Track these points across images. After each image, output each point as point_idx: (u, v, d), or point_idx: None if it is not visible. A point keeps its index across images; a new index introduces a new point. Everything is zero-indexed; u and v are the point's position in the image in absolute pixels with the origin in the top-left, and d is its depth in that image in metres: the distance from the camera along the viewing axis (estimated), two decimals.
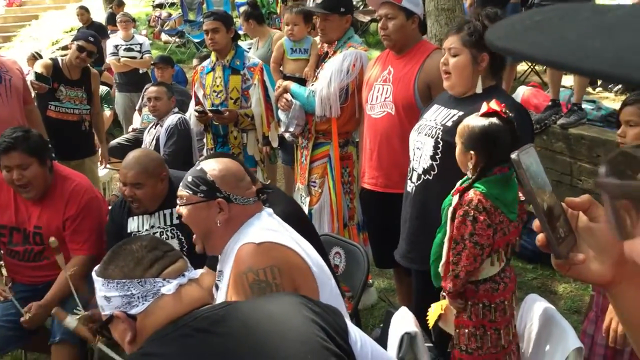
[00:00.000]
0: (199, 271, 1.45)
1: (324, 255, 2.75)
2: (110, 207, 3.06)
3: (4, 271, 3.12)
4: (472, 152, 2.06)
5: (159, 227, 2.82)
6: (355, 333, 1.42)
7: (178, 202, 1.99)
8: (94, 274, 1.42)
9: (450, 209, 2.08)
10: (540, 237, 0.85)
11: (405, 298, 3.23)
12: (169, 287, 1.35)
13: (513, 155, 0.82)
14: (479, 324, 2.08)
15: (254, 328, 1.31)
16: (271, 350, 1.27)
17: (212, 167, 1.95)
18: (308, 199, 3.58)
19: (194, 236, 1.99)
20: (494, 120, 2.06)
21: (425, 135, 2.51)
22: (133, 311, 1.34)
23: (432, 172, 2.47)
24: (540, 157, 0.87)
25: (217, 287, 1.99)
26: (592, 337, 2.44)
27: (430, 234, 2.30)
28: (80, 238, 2.92)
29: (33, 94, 4.37)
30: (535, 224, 0.85)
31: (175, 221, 2.81)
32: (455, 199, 2.07)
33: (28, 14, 15.61)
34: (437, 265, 2.19)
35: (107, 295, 1.37)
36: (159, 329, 1.32)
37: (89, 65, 4.73)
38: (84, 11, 9.06)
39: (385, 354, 1.52)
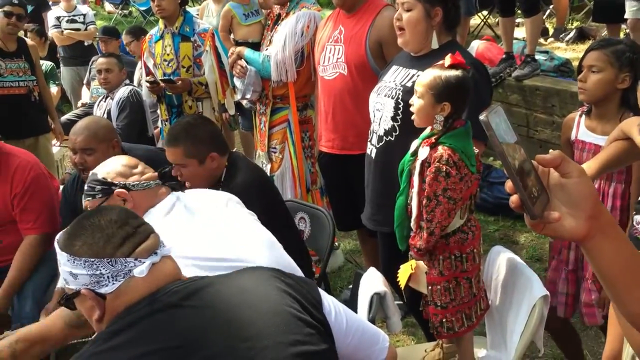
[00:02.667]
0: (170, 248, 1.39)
1: (291, 219, 2.74)
2: (62, 186, 2.95)
3: None
4: (446, 103, 2.04)
5: None
6: (330, 303, 1.41)
7: None
8: (57, 247, 1.32)
9: (418, 162, 2.07)
10: (514, 198, 0.83)
11: (371, 259, 3.25)
12: (141, 269, 1.28)
13: (482, 117, 0.80)
14: (452, 277, 2.10)
15: (226, 301, 1.27)
16: (245, 322, 1.24)
17: (101, 168, 2.00)
18: (269, 165, 3.54)
19: None
20: (463, 70, 2.06)
21: (385, 96, 2.48)
22: (102, 290, 1.27)
23: (394, 133, 2.46)
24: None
25: None
26: (555, 284, 2.50)
27: (394, 196, 2.29)
28: (31, 216, 2.80)
29: None
30: (508, 184, 0.83)
31: None
32: (426, 151, 2.05)
33: None
34: (402, 230, 2.19)
35: (73, 271, 1.28)
36: (130, 306, 1.26)
37: (23, 37, 4.53)
38: None
39: (361, 321, 1.51)
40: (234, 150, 5.31)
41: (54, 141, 4.89)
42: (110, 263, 1.26)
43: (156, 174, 1.99)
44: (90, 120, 2.79)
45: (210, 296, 1.28)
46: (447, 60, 2.07)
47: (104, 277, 1.26)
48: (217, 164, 2.50)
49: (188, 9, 4.12)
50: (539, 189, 0.84)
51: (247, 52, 3.47)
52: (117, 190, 1.90)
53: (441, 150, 2.02)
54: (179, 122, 2.71)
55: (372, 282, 2.19)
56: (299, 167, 3.49)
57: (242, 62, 3.46)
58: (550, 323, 2.15)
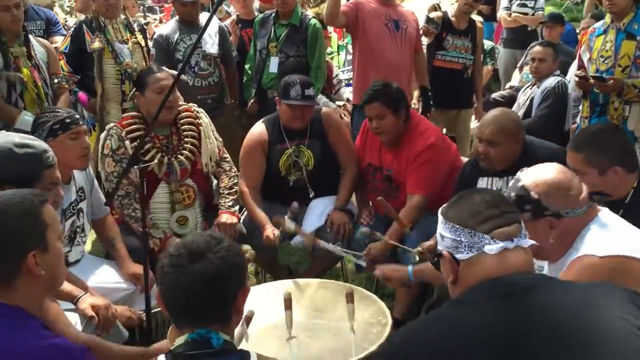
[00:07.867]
0: (530, 242, 1.45)
1: None
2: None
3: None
4: None
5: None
6: None
7: None
8: (439, 210, 1.54)
9: None
10: None
11: None
12: (492, 247, 1.39)
13: None
14: None
15: (558, 307, 1.28)
16: (568, 332, 1.22)
17: (534, 182, 1.84)
18: None
19: None
20: None
21: None
22: (458, 256, 1.43)
23: None
24: None
25: None
26: None
27: None
28: (418, 180, 3.15)
29: (424, 43, 4.74)
30: None
31: None
32: None
33: None
34: None
35: (442, 233, 1.48)
36: (474, 285, 1.38)
37: (472, 18, 4.88)
38: None
39: None
40: None
41: (473, 117, 5.23)
42: (470, 234, 1.42)
43: (587, 194, 1.87)
44: (500, 113, 2.93)
45: (543, 298, 1.30)
46: None
47: (462, 245, 1.42)
48: (619, 179, 2.30)
49: None
50: None
51: None
52: (547, 217, 1.82)
53: None
54: (589, 127, 2.61)
55: None
56: None
57: None
58: None
